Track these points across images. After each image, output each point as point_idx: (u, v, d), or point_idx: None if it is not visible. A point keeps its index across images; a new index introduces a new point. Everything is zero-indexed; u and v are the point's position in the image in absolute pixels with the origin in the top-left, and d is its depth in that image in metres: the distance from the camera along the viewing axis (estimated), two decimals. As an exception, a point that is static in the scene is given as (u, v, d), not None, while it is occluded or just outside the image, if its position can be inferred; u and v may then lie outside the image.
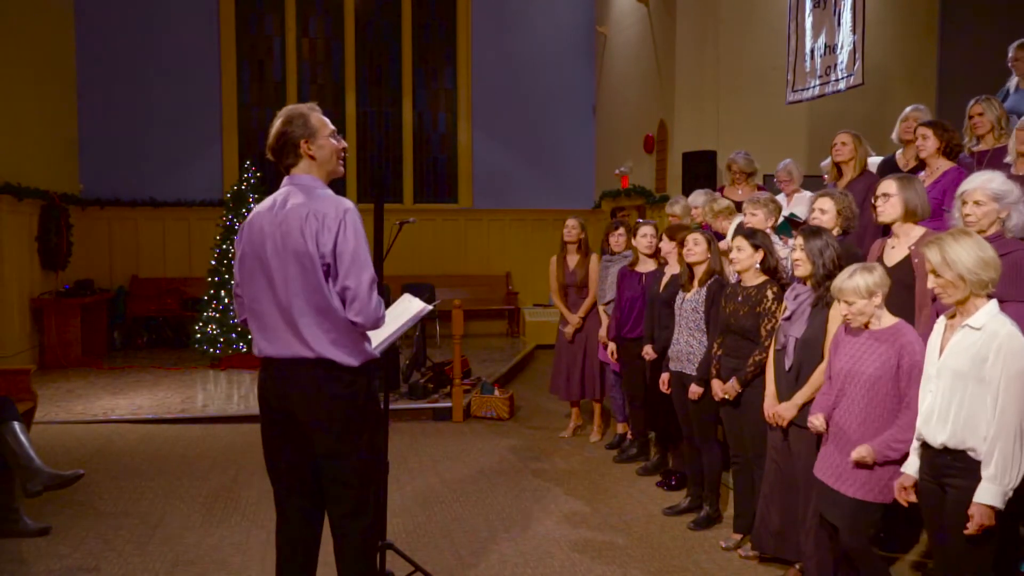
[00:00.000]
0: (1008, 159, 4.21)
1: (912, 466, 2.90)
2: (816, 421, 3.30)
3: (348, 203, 2.69)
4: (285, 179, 2.79)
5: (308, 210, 2.64)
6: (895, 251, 3.70)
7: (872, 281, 3.09)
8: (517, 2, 12.05)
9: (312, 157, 2.75)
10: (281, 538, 2.86)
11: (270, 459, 2.81)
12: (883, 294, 3.12)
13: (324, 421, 2.71)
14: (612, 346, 5.77)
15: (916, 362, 3.01)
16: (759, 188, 6.19)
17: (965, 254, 2.65)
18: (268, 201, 2.77)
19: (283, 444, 2.77)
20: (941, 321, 2.85)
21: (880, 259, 3.69)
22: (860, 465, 3.10)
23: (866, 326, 3.17)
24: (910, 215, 3.61)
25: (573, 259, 6.31)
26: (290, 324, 2.67)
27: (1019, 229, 3.28)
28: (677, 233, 5.00)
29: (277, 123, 2.75)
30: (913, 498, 2.89)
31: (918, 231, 3.63)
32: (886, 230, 3.84)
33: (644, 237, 5.54)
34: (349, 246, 2.63)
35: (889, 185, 3.63)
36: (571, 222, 6.36)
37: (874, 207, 3.71)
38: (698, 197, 5.74)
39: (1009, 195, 3.21)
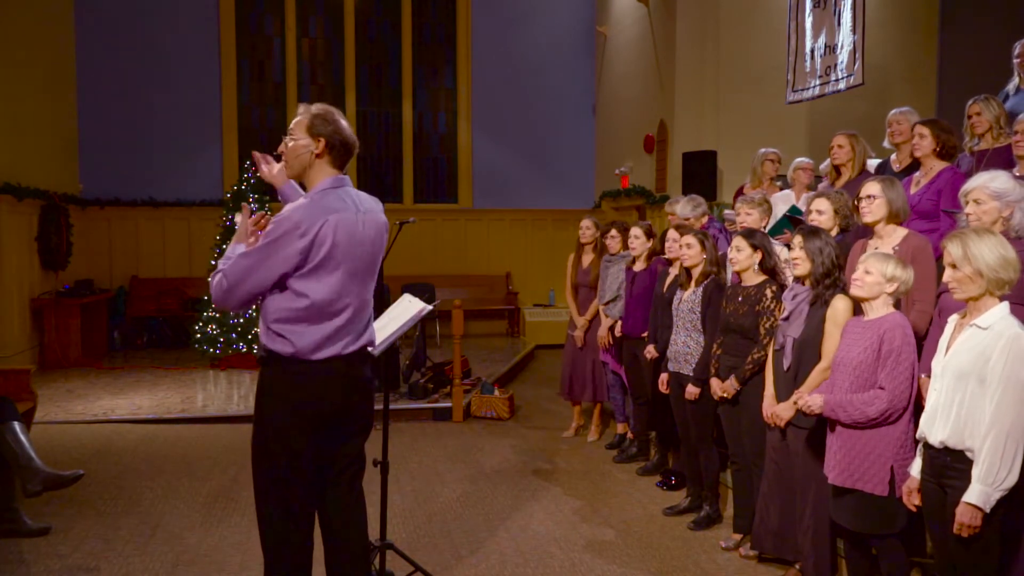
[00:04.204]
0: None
1: (916, 467, 2.91)
2: (810, 400, 3.24)
3: None
4: (340, 177, 2.84)
5: (384, 218, 2.96)
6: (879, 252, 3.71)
7: (899, 272, 3.10)
8: (517, 2, 12.04)
9: None
10: (296, 540, 2.81)
11: (297, 462, 2.75)
12: (898, 293, 3.14)
13: (370, 412, 2.97)
14: (605, 332, 5.84)
15: (894, 348, 3.03)
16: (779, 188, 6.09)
17: (987, 250, 2.65)
18: (343, 201, 2.79)
19: (317, 448, 2.79)
20: (953, 320, 2.86)
21: None
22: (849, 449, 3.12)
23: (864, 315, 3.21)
24: (893, 216, 3.65)
25: (587, 259, 6.29)
26: (364, 321, 2.90)
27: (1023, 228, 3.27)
28: (684, 230, 5.01)
29: (348, 125, 2.87)
30: (919, 500, 2.89)
31: (901, 232, 3.66)
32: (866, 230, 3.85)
33: (637, 238, 5.60)
34: None
35: (873, 187, 3.66)
36: (586, 222, 6.32)
37: (856, 208, 3.73)
38: (685, 206, 5.44)
39: (1011, 193, 3.19)
